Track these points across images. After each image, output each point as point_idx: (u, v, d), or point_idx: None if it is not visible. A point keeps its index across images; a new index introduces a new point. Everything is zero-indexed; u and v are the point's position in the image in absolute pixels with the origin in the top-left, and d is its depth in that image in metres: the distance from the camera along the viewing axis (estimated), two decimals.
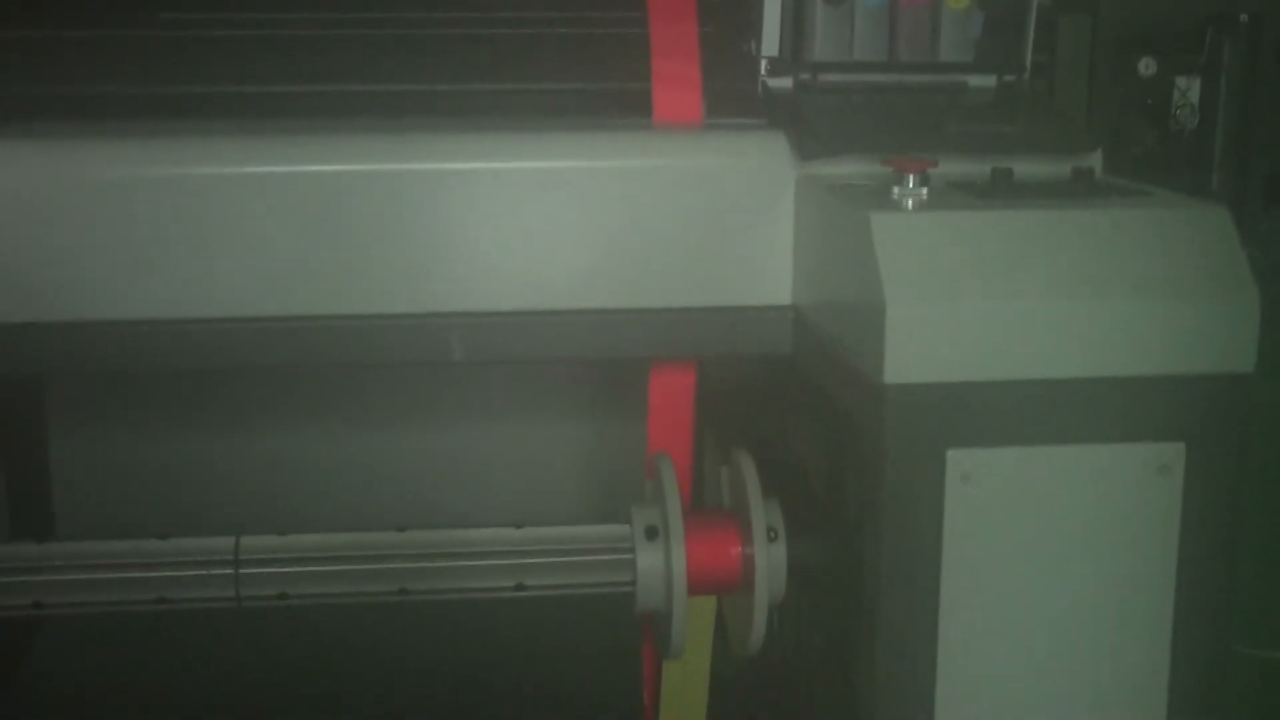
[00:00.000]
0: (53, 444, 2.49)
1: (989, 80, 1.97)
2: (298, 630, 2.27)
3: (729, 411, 2.20)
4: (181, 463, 2.51)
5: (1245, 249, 1.58)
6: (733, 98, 1.93)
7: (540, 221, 1.79)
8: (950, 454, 1.54)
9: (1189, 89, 2.64)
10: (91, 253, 1.74)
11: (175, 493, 2.50)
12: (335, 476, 2.53)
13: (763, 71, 1.95)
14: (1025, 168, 1.76)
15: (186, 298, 1.76)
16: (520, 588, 1.87)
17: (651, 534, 1.83)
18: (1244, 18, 2.27)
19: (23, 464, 2.47)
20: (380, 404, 2.54)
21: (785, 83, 1.95)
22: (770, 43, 1.94)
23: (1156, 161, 2.53)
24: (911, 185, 1.64)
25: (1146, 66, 2.54)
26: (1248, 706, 2.38)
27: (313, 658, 2.42)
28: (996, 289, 1.54)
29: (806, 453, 1.99)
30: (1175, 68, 2.57)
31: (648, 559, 1.83)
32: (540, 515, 1.91)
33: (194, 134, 1.79)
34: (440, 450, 2.56)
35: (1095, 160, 1.84)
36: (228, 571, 1.83)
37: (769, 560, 1.81)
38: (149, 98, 1.94)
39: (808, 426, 1.98)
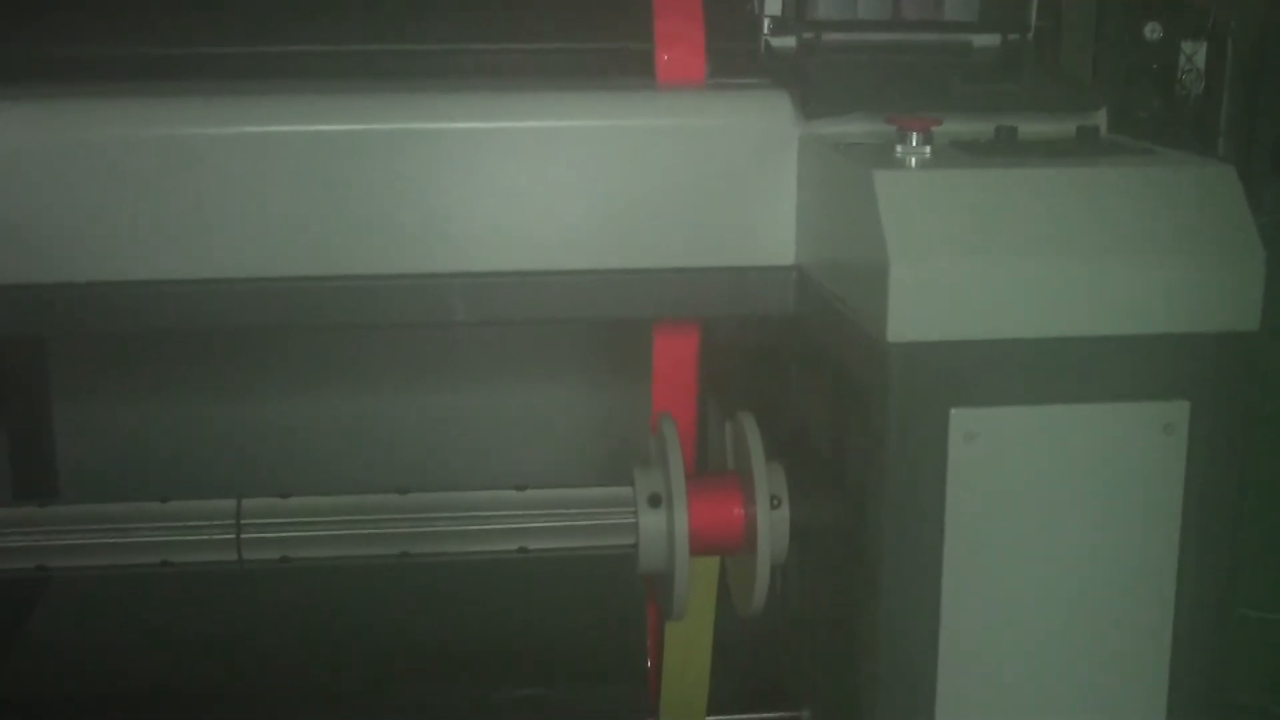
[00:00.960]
0: (56, 407, 2.49)
1: (993, 39, 1.96)
2: (299, 590, 2.27)
3: (732, 373, 2.19)
4: (183, 425, 2.51)
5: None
6: (736, 57, 1.92)
7: (543, 181, 1.78)
8: (954, 413, 1.53)
9: (1195, 54, 2.63)
10: (93, 213, 1.74)
11: (177, 455, 2.50)
12: (337, 439, 2.53)
13: (766, 31, 1.94)
14: (1030, 127, 1.75)
15: (188, 258, 1.76)
16: (523, 550, 1.87)
17: (654, 496, 1.83)
18: None
19: (25, 426, 2.47)
20: (383, 366, 2.54)
21: (788, 42, 1.93)
22: (773, 1, 1.93)
23: (1162, 127, 2.52)
24: (915, 143, 1.64)
25: (1153, 31, 2.53)
26: (1252, 669, 2.39)
27: (314, 617, 2.43)
28: (1000, 247, 1.53)
29: (810, 413, 1.99)
30: (1182, 32, 2.56)
31: (650, 521, 1.83)
32: (543, 478, 1.91)
33: (195, 94, 1.78)
34: (443, 412, 2.56)
35: (1100, 119, 1.83)
36: (229, 536, 1.83)
37: (771, 521, 1.81)
38: (150, 58, 1.94)
39: (811, 387, 1.98)
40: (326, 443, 2.52)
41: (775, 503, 1.81)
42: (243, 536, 1.83)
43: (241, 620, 2.41)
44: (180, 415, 2.51)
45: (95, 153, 1.72)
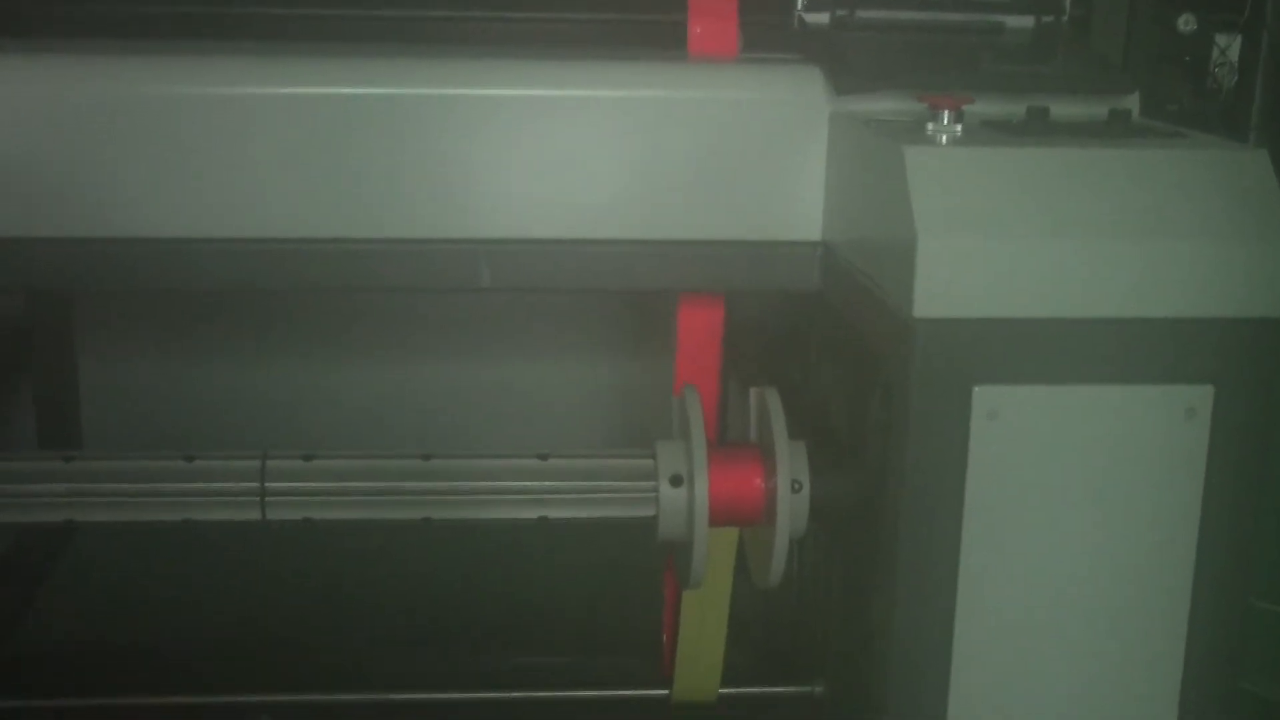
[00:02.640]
0: (81, 363, 2.51)
1: (1026, 21, 1.95)
2: (319, 551, 2.29)
3: (755, 348, 2.20)
4: (208, 385, 2.52)
5: None
6: (768, 31, 1.92)
7: (573, 150, 1.79)
8: (977, 390, 1.54)
9: (1229, 47, 2.61)
10: (125, 170, 1.74)
11: (202, 413, 2.51)
12: (361, 402, 2.54)
13: (799, 6, 1.94)
14: (1061, 108, 1.75)
15: (218, 217, 1.77)
16: (543, 518, 1.88)
17: (675, 476, 1.83)
18: None
19: (51, 380, 2.49)
20: (409, 332, 2.55)
21: (822, 18, 1.93)
22: None
23: (1192, 120, 2.51)
24: (946, 122, 1.64)
25: (1186, 23, 2.51)
26: (1265, 662, 2.38)
27: (332, 579, 2.44)
28: (1028, 226, 1.53)
29: (832, 389, 1.99)
30: (1216, 25, 2.54)
31: (670, 491, 1.83)
32: (566, 446, 1.91)
33: (230, 54, 1.79)
34: (467, 380, 2.57)
35: (1132, 102, 1.82)
36: (254, 498, 1.84)
37: (790, 471, 1.81)
38: (186, 15, 1.95)
39: (834, 362, 1.98)
40: (351, 405, 2.54)
41: (797, 486, 1.80)
42: (267, 497, 1.84)
43: (261, 580, 2.43)
44: (205, 375, 2.53)
45: (132, 108, 1.73)
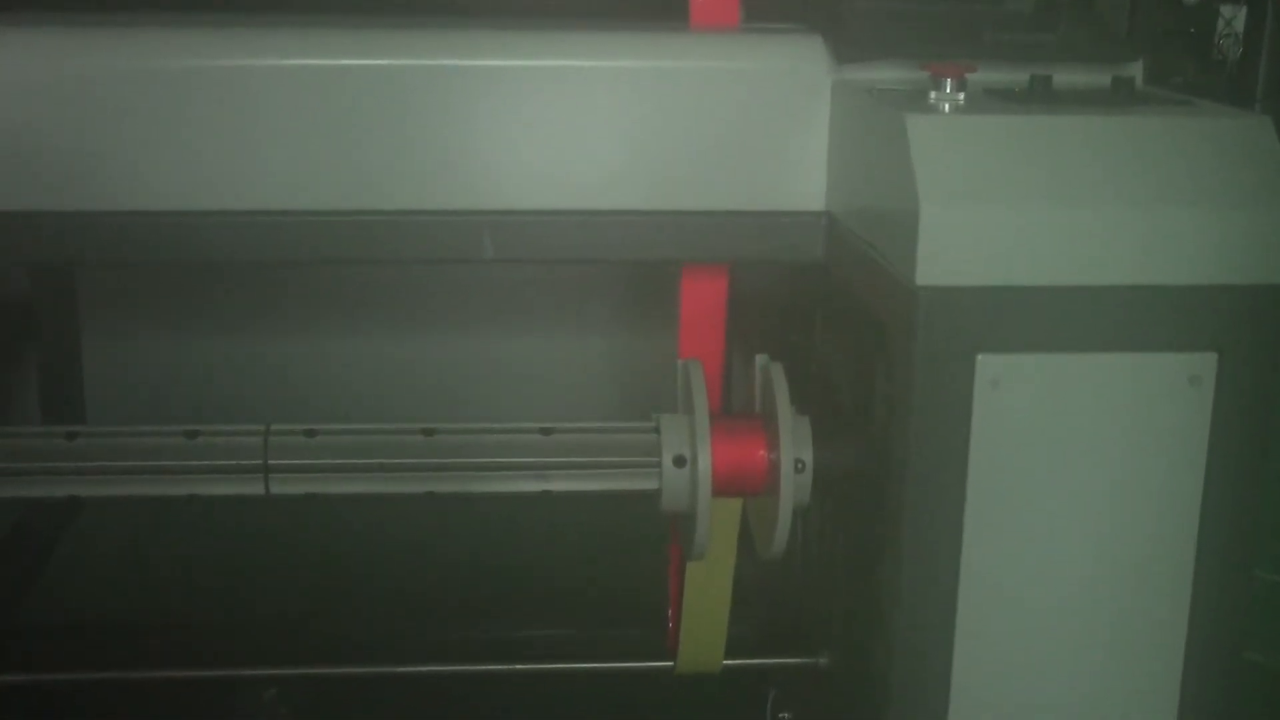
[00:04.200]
0: (85, 334, 2.51)
1: None
2: (324, 523, 2.29)
3: (758, 319, 2.20)
4: (211, 358, 2.53)
5: None
6: (770, 1, 1.91)
7: (575, 121, 1.79)
8: (980, 358, 1.54)
9: (1234, 18, 2.61)
10: (127, 142, 1.75)
11: (205, 386, 2.52)
12: (364, 375, 2.54)
13: None
14: (1065, 76, 1.74)
15: (219, 190, 1.77)
16: (547, 492, 1.88)
17: (679, 443, 1.83)
18: None
19: (55, 355, 2.49)
20: (412, 305, 2.55)
21: None
22: None
23: (1197, 92, 2.50)
24: (949, 90, 1.64)
25: None
26: (1269, 632, 2.38)
27: (337, 551, 2.45)
28: (1031, 194, 1.53)
29: (835, 359, 1.99)
30: None
31: (673, 458, 1.83)
32: (569, 419, 1.92)
33: (235, 26, 1.79)
34: (471, 351, 2.57)
35: (1136, 70, 1.82)
36: (257, 474, 1.84)
37: (794, 450, 1.81)
38: None
39: (838, 333, 1.98)
40: (355, 379, 2.54)
41: (800, 466, 1.80)
42: (270, 474, 1.84)
43: (265, 554, 2.44)
44: (207, 348, 2.53)
45: (136, 81, 1.73)
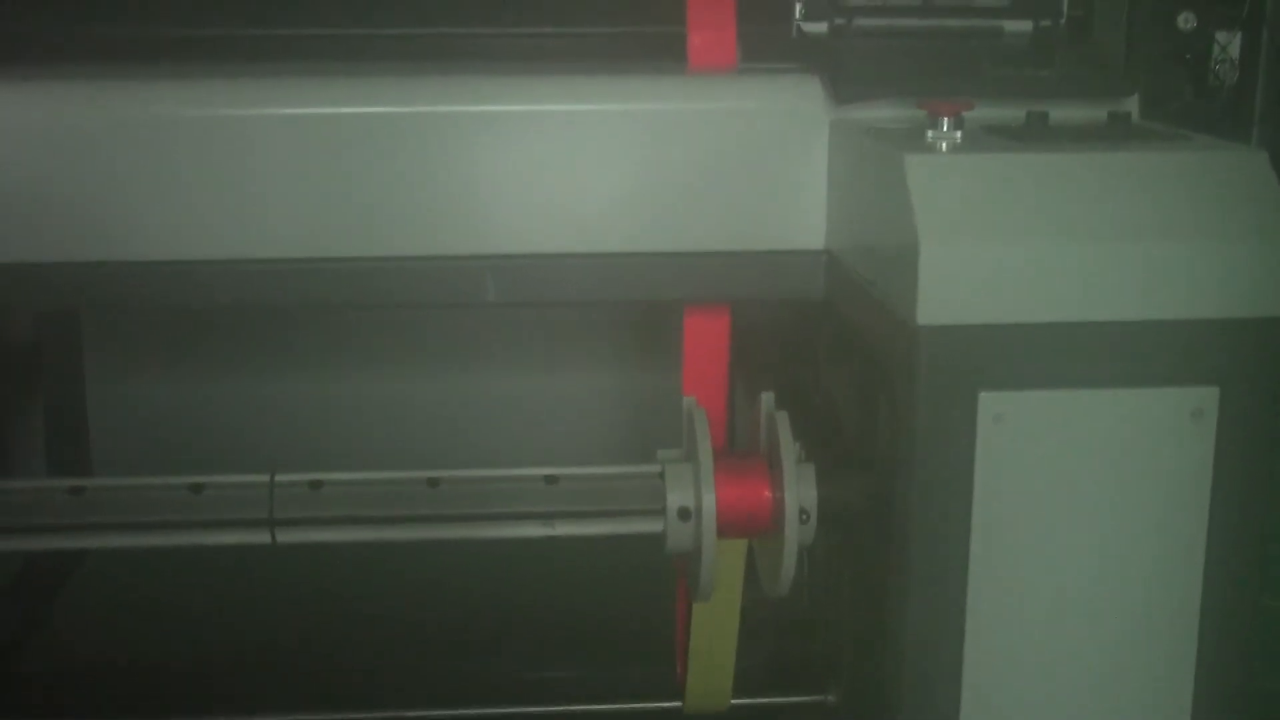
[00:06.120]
0: (89, 379, 2.52)
1: (1025, 25, 1.96)
2: (329, 567, 2.29)
3: (762, 355, 2.20)
4: (216, 399, 2.53)
5: None
6: (767, 42, 1.93)
7: (575, 165, 1.80)
8: (983, 396, 1.54)
9: (1229, 43, 2.61)
10: (130, 193, 1.76)
11: (210, 429, 2.53)
12: (368, 413, 2.55)
13: (797, 15, 1.94)
14: (1061, 112, 1.75)
15: (222, 239, 1.78)
16: (552, 538, 1.88)
17: (683, 493, 1.83)
18: None
19: (60, 399, 2.49)
20: (417, 345, 2.56)
21: (820, 27, 1.94)
22: None
23: (1194, 118, 2.50)
24: (946, 128, 1.64)
25: (1186, 20, 2.51)
26: (1276, 660, 2.38)
27: (344, 594, 2.45)
28: (1030, 231, 1.53)
29: (839, 396, 1.99)
30: (1216, 22, 2.54)
31: (678, 500, 1.83)
32: (574, 459, 1.92)
33: (236, 76, 1.80)
34: (475, 390, 2.58)
35: (1132, 105, 1.83)
36: (263, 529, 1.84)
37: (799, 500, 1.81)
38: (192, 40, 1.96)
39: (840, 370, 1.98)
40: (359, 420, 2.55)
41: (804, 517, 1.81)
42: (276, 527, 1.84)
43: (271, 597, 2.43)
44: (212, 391, 2.54)
45: (137, 132, 1.75)
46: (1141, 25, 2.10)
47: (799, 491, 1.80)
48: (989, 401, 1.54)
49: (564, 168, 1.79)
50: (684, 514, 1.83)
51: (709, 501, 1.80)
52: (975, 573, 1.58)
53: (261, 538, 1.84)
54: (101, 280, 1.78)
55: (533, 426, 2.57)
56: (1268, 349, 1.56)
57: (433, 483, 1.85)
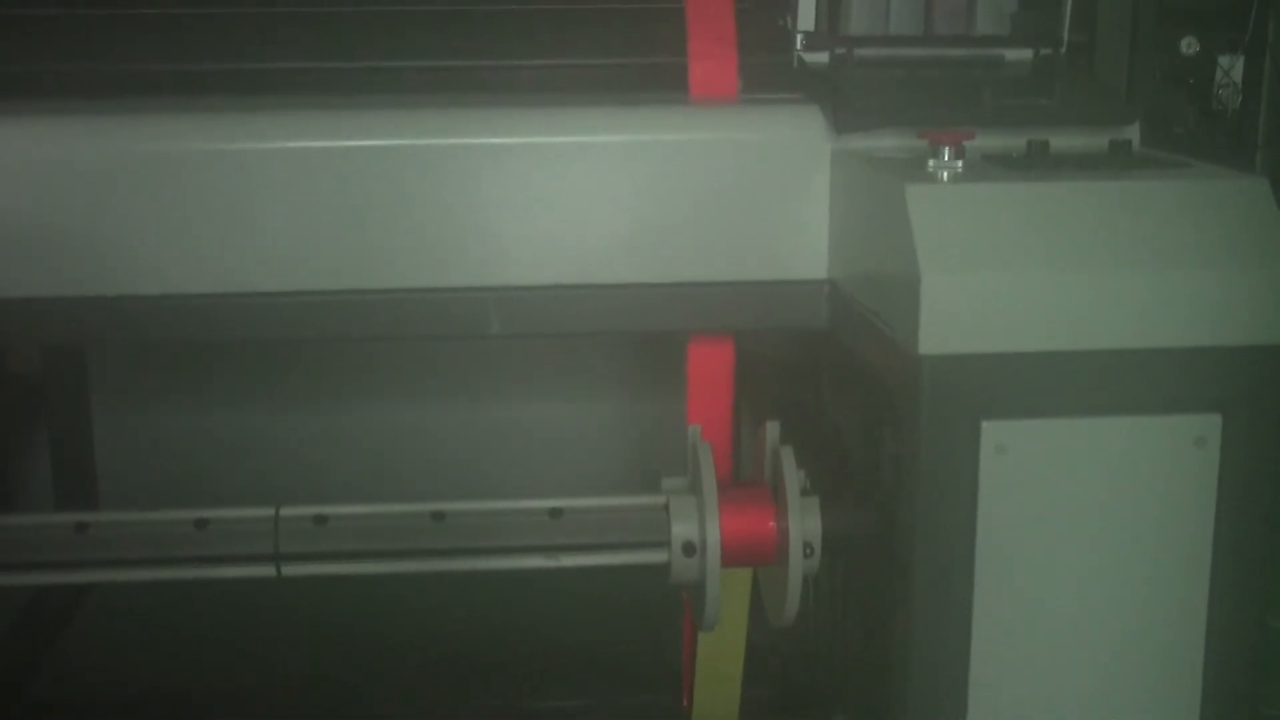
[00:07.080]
0: (95, 411, 2.53)
1: (1025, 54, 1.96)
2: (335, 597, 2.29)
3: (765, 384, 2.20)
4: (222, 431, 2.54)
5: None
6: (768, 72, 1.93)
7: (577, 196, 1.80)
8: (985, 425, 1.54)
9: (1232, 68, 2.62)
10: (135, 227, 1.76)
11: (215, 460, 2.53)
12: (373, 443, 2.55)
13: (798, 46, 1.95)
14: (1062, 140, 1.76)
15: (227, 273, 1.78)
16: (558, 569, 1.88)
17: (688, 528, 1.83)
18: None
19: (67, 432, 2.50)
20: (421, 375, 2.56)
21: (821, 57, 1.95)
22: (806, 17, 1.95)
23: (1197, 141, 2.51)
24: (947, 158, 1.65)
25: (1189, 45, 2.52)
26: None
27: (349, 624, 2.45)
28: (1032, 261, 1.54)
29: (842, 424, 2.00)
30: (1218, 46, 2.55)
31: (682, 534, 1.83)
32: (579, 486, 1.92)
33: (239, 110, 1.81)
34: (480, 422, 2.58)
35: (1133, 133, 1.83)
36: (269, 563, 1.84)
37: (803, 534, 1.81)
38: (195, 74, 1.97)
39: (843, 399, 1.98)
40: (364, 451, 2.55)
41: (809, 551, 1.81)
42: (282, 563, 1.84)
43: (276, 627, 2.43)
44: (218, 423, 2.54)
45: (140, 167, 1.75)
46: (1144, 50, 2.11)
47: (803, 526, 1.80)
48: (992, 430, 1.54)
49: (566, 199, 1.80)
50: (689, 549, 1.82)
51: (714, 537, 1.80)
52: (980, 601, 1.58)
53: (266, 571, 1.85)
54: (107, 314, 1.78)
55: (538, 455, 2.58)
56: (1271, 376, 1.56)
57: (437, 516, 1.85)
